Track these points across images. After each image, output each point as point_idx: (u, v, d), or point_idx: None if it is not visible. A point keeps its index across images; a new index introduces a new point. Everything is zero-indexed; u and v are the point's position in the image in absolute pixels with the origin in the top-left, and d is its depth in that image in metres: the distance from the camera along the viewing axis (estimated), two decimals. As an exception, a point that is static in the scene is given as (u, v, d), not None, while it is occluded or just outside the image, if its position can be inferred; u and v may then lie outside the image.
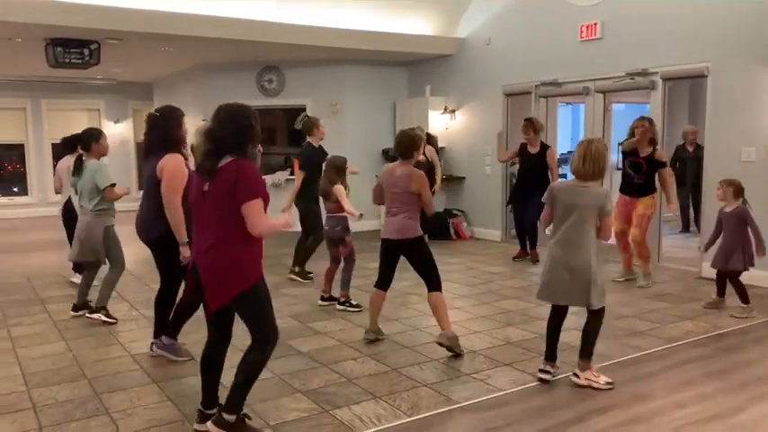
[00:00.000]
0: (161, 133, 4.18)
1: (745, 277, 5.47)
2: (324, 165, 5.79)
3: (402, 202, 4.50)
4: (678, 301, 5.84)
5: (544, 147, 7.76)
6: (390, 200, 4.57)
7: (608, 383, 3.83)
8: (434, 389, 3.85)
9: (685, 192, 9.18)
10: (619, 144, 6.70)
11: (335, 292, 5.77)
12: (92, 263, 5.54)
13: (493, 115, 9.39)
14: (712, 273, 5.72)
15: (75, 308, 5.54)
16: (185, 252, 3.99)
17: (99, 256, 5.37)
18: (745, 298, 5.37)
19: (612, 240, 4.19)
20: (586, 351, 3.89)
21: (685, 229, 9.47)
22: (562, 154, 10.84)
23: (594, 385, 3.81)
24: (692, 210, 9.18)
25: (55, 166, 7.05)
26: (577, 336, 4.02)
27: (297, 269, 6.85)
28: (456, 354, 4.39)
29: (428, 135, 9.44)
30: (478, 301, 6.00)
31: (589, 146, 3.79)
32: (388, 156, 10.68)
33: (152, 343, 4.50)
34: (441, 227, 9.55)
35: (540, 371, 3.95)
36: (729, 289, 5.50)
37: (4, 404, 3.70)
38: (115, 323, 5.26)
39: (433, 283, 4.52)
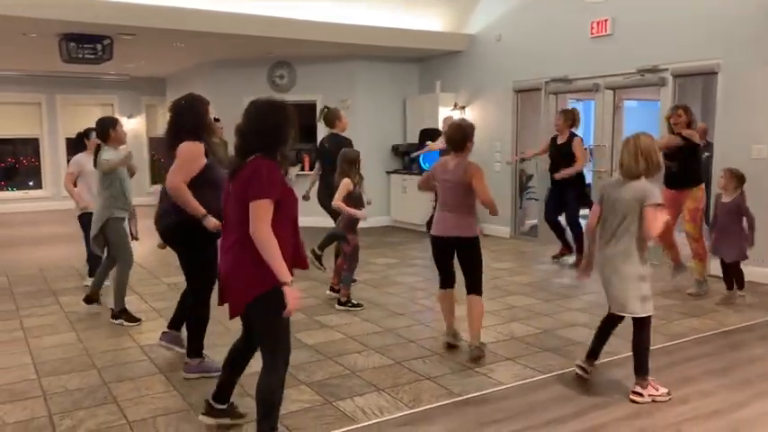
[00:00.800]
0: (186, 121, 3.89)
1: (755, 274, 5.47)
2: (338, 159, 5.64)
3: (456, 196, 4.29)
4: (685, 298, 5.83)
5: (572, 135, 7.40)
6: (443, 194, 4.37)
7: (668, 393, 3.62)
8: (437, 382, 3.89)
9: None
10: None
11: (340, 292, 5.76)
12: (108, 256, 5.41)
13: (503, 111, 9.39)
14: (720, 271, 5.71)
15: (89, 299, 5.53)
16: (210, 223, 3.71)
17: (111, 247, 5.22)
18: (741, 284, 5.51)
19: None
20: (639, 366, 3.63)
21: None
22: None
23: (658, 399, 3.57)
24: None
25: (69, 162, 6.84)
26: (589, 334, 4.02)
27: (318, 252, 6.19)
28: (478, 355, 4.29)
29: (435, 131, 9.51)
30: (485, 296, 5.93)
31: (637, 141, 3.53)
32: (397, 151, 10.74)
33: (185, 363, 4.07)
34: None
35: (579, 367, 3.86)
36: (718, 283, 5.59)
37: (16, 392, 3.79)
38: (139, 323, 5.11)
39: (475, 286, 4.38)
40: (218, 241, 3.25)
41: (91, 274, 6.24)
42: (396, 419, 3.40)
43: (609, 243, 3.63)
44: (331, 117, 6.68)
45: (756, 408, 3.54)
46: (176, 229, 3.88)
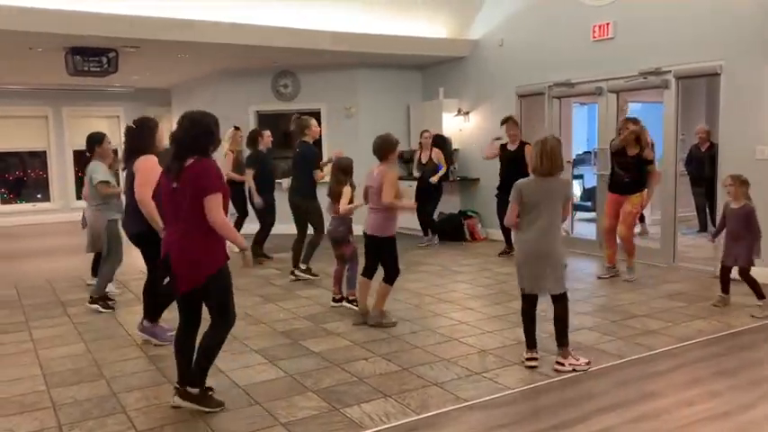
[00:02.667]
0: (136, 143, 4.75)
1: (762, 276, 5.44)
2: (331, 167, 6.00)
3: (375, 201, 5.07)
4: (692, 301, 5.81)
5: (523, 144, 8.03)
6: (369, 197, 5.18)
7: (587, 363, 4.09)
8: (444, 388, 3.90)
9: (700, 192, 9.11)
10: (611, 142, 6.77)
11: (346, 292, 5.85)
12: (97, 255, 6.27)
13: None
14: (719, 271, 5.69)
15: (93, 300, 5.99)
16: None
17: (95, 247, 6.04)
18: (759, 294, 5.35)
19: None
20: (566, 338, 4.12)
21: (703, 229, 9.37)
22: (578, 155, 10.84)
23: (578, 368, 4.03)
24: (708, 210, 9.10)
25: (77, 173, 7.47)
26: (596, 338, 4.05)
27: (303, 267, 7.02)
28: (388, 324, 5.11)
29: (439, 137, 9.54)
30: (491, 301, 6.02)
31: (545, 145, 4.01)
32: (401, 158, 10.75)
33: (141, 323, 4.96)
34: (455, 228, 9.59)
35: (529, 359, 4.20)
36: (734, 288, 5.52)
37: (26, 403, 3.82)
38: (113, 311, 5.84)
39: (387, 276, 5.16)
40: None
41: (94, 273, 6.74)
42: (403, 425, 3.40)
43: (536, 234, 4.06)
44: (302, 125, 7.04)
45: (765, 409, 3.53)
46: (145, 233, 4.59)
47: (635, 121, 6.56)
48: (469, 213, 9.91)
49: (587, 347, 4.53)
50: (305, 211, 6.89)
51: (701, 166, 8.83)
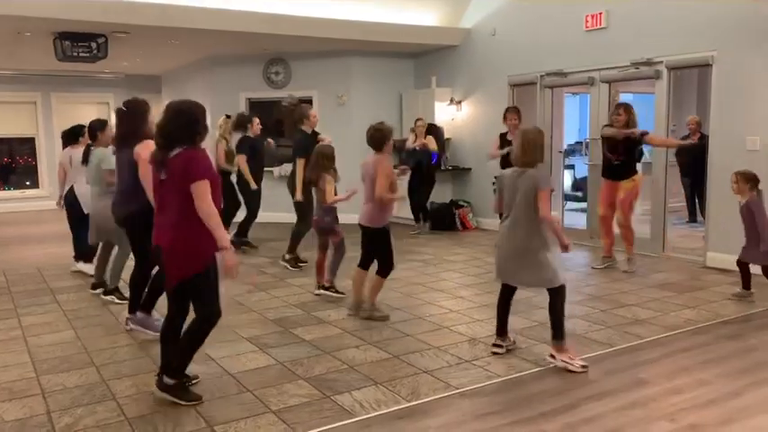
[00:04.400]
0: (129, 126, 4.60)
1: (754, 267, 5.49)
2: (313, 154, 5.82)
3: (369, 191, 4.98)
4: (681, 290, 5.85)
5: None
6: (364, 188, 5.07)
7: (583, 366, 3.93)
8: (434, 375, 3.91)
9: (690, 182, 9.17)
10: (603, 127, 6.77)
11: (326, 278, 5.83)
12: (104, 244, 6.00)
13: (499, 106, 9.34)
14: (717, 263, 5.74)
15: (94, 286, 6.01)
16: None
17: (112, 237, 5.62)
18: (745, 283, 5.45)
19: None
20: (558, 332, 4.01)
21: (692, 219, 9.44)
22: (569, 145, 10.87)
23: (570, 368, 3.92)
24: (697, 200, 9.16)
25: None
26: (586, 326, 4.07)
27: (287, 256, 7.04)
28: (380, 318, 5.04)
29: (432, 126, 9.52)
30: (482, 290, 6.04)
31: (525, 135, 4.04)
32: (394, 146, 10.72)
33: (127, 318, 4.87)
34: (447, 218, 9.60)
35: (495, 345, 4.26)
36: (723, 277, 5.57)
37: (15, 390, 3.80)
38: (125, 303, 5.30)
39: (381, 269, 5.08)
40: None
41: (77, 259, 6.88)
42: (394, 413, 3.42)
43: (511, 227, 4.06)
44: (300, 114, 7.01)
45: (752, 396, 3.57)
46: (137, 216, 4.45)
47: (626, 107, 6.54)
48: (461, 203, 9.92)
49: (577, 336, 4.55)
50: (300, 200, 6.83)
51: (692, 156, 8.86)
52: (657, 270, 6.66)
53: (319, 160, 5.64)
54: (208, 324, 3.50)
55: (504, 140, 7.92)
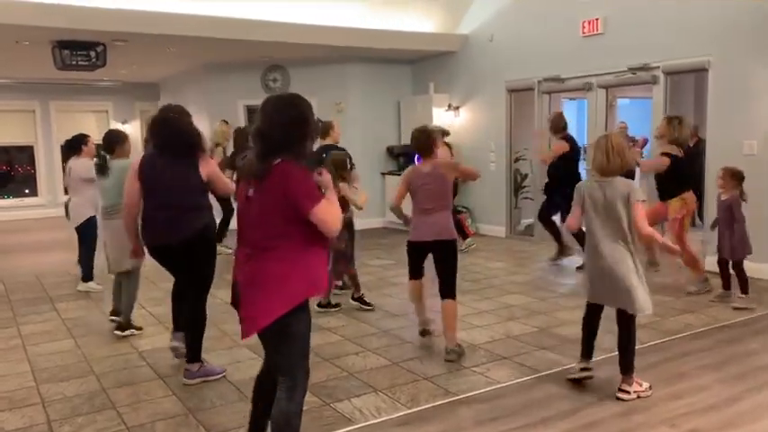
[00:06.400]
0: (180, 133, 3.95)
1: (751, 270, 5.48)
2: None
3: (437, 198, 4.37)
4: (680, 295, 5.86)
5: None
6: (425, 198, 4.39)
7: (650, 387, 3.69)
8: (434, 382, 3.91)
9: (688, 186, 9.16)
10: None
11: (332, 298, 5.70)
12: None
13: (497, 112, 9.42)
14: (715, 266, 5.73)
15: (115, 312, 5.27)
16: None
17: (126, 264, 4.88)
18: (744, 289, 5.40)
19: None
20: (627, 362, 3.64)
21: (690, 223, 9.44)
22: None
23: (642, 395, 3.61)
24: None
25: (64, 168, 7.06)
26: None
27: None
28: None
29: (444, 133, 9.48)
30: (481, 296, 6.05)
31: (609, 140, 3.61)
32: (392, 153, 10.76)
33: (186, 370, 4.04)
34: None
35: (583, 369, 3.80)
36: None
37: (15, 399, 3.80)
38: (141, 331, 5.07)
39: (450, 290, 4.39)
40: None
41: (85, 279, 6.52)
42: (393, 420, 3.42)
43: (606, 241, 3.60)
44: (325, 128, 6.72)
45: (751, 401, 3.57)
46: (205, 234, 4.00)
47: (668, 119, 6.02)
48: (460, 208, 9.91)
49: (576, 341, 4.53)
50: None
51: (689, 161, 8.86)
52: (656, 274, 6.66)
53: (332, 169, 5.38)
54: (297, 390, 2.67)
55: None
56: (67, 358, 4.52)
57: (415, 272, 4.62)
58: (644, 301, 3.55)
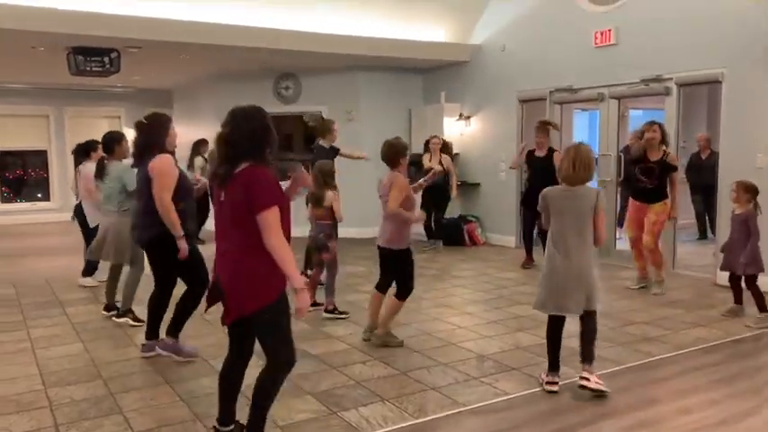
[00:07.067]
0: (148, 139, 4.36)
1: (765, 285, 5.42)
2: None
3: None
4: (692, 308, 5.80)
5: (551, 150, 7.62)
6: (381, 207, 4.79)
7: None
8: (442, 392, 3.89)
9: (700, 199, 9.13)
10: (624, 148, 6.66)
11: (320, 297, 5.76)
12: (113, 266, 5.73)
13: (508, 122, 9.41)
14: (727, 280, 5.68)
15: (107, 308, 5.75)
16: (182, 244, 4.27)
17: (123, 258, 5.43)
18: (761, 305, 5.31)
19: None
20: (593, 353, 3.88)
21: (702, 236, 9.39)
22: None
23: (603, 387, 3.76)
24: (707, 216, 9.11)
25: (76, 172, 7.13)
26: (595, 344, 4.00)
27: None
28: (394, 344, 4.76)
29: (444, 143, 9.49)
30: (490, 306, 6.02)
31: (578, 151, 3.81)
32: (411, 162, 10.73)
33: (143, 344, 4.64)
34: (455, 233, 9.57)
35: (548, 383, 3.89)
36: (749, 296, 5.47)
37: (23, 402, 3.81)
38: (143, 324, 5.07)
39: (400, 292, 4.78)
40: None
41: (85, 274, 6.81)
42: (400, 429, 3.39)
43: (563, 250, 3.80)
44: (324, 128, 6.82)
45: (763, 417, 3.53)
46: (161, 239, 4.30)
47: (660, 125, 6.34)
48: (469, 218, 9.91)
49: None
50: None
51: (702, 173, 8.83)
52: (667, 287, 6.61)
53: (320, 177, 5.54)
54: (280, 371, 2.96)
55: (531, 157, 7.71)
56: (76, 362, 4.53)
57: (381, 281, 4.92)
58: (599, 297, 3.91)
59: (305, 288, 2.87)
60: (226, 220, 2.90)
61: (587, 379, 3.78)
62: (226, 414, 3.14)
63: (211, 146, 7.94)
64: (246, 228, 2.78)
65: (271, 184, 2.81)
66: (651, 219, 6.28)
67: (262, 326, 2.91)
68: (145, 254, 4.68)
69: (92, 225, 6.46)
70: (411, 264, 4.76)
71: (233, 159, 2.85)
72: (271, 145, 2.91)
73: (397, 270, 4.75)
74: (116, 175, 5.41)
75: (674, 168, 6.35)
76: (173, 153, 4.45)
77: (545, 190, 3.93)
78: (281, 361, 2.95)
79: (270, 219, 2.75)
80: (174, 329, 4.51)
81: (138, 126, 4.46)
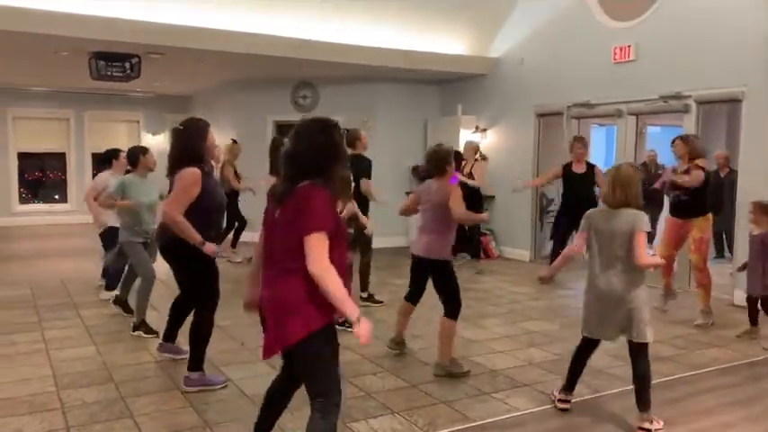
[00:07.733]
0: (185, 147, 4.08)
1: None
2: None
3: (432, 219, 4.49)
4: (707, 328, 5.73)
5: (590, 165, 7.53)
6: (421, 215, 4.63)
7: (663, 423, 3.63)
8: (452, 406, 3.86)
9: (717, 218, 9.01)
10: (641, 164, 6.48)
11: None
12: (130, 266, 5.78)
13: (524, 135, 9.39)
14: (744, 301, 5.61)
15: (117, 301, 5.98)
16: (208, 249, 3.96)
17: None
18: None
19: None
20: (647, 398, 3.58)
21: (719, 254, 9.28)
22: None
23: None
24: (724, 235, 9.00)
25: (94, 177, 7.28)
26: (609, 361, 3.95)
27: (365, 294, 6.46)
28: (460, 374, 4.40)
29: (457, 153, 9.41)
30: (503, 320, 5.98)
31: (618, 172, 3.60)
32: (417, 172, 10.74)
33: (160, 344, 4.73)
34: (469, 246, 9.52)
35: (561, 401, 3.85)
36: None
37: (35, 403, 3.84)
38: (156, 335, 5.10)
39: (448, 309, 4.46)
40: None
41: (107, 288, 6.56)
42: (410, 443, 3.38)
43: (610, 270, 3.58)
44: (351, 137, 6.68)
45: (779, 442, 3.47)
46: (174, 246, 4.04)
47: (683, 138, 6.04)
48: (484, 231, 9.86)
49: (598, 371, 4.47)
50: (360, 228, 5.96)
51: (720, 191, 8.74)
52: (683, 306, 6.53)
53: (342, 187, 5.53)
54: (330, 411, 2.62)
55: (567, 171, 7.61)
56: (89, 365, 4.56)
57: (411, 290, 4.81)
58: (648, 329, 3.57)
59: (359, 319, 2.49)
60: (275, 239, 2.67)
61: (647, 430, 3.52)
62: (261, 427, 2.98)
63: (221, 151, 8.17)
64: (296, 251, 2.53)
65: (323, 207, 2.55)
66: (696, 236, 5.84)
67: (304, 358, 2.63)
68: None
69: (101, 229, 6.51)
70: (455, 277, 4.49)
71: (293, 177, 2.61)
72: (339, 162, 2.67)
73: (443, 285, 4.45)
74: (157, 191, 5.57)
75: (702, 168, 5.83)
76: (212, 163, 4.29)
77: (589, 211, 3.76)
78: (329, 397, 2.63)
79: (313, 243, 2.49)
80: (199, 362, 4.16)
81: (175, 133, 4.23)
